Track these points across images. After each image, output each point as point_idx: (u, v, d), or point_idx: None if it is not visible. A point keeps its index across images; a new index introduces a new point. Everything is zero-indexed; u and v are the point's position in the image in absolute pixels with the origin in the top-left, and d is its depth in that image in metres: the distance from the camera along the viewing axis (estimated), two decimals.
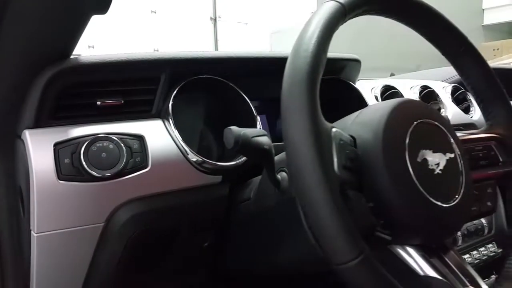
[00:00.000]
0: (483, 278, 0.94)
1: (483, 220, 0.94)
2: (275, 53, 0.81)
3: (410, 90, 1.02)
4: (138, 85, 0.63)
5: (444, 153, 0.52)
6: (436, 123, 0.54)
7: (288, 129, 0.42)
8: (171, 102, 0.64)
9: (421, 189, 0.47)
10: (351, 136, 0.51)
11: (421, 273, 0.50)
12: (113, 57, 0.60)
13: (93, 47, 5.44)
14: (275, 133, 0.85)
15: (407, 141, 0.49)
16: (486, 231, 0.96)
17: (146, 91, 0.64)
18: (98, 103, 0.60)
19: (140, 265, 0.66)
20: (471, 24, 4.45)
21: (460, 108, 1.04)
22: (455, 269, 0.52)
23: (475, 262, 0.93)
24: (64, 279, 0.62)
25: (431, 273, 0.50)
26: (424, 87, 1.02)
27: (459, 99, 1.09)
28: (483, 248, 0.95)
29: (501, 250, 0.96)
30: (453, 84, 1.07)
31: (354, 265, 0.40)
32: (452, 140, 0.54)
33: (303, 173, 0.41)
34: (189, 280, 0.75)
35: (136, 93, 0.63)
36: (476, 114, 1.05)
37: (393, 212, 0.47)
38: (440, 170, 0.51)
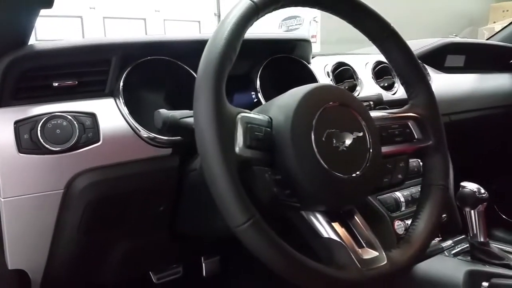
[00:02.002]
0: None
1: None
2: None
3: (364, 66, 1.08)
4: (90, 67, 0.70)
5: (352, 132, 0.60)
6: (347, 105, 0.61)
7: (196, 116, 0.50)
8: (122, 82, 0.71)
9: (323, 163, 0.55)
10: (270, 118, 0.58)
11: (325, 235, 0.58)
12: (66, 43, 0.67)
13: (94, 8, 5.44)
14: None
15: (314, 122, 0.56)
16: None
17: (99, 72, 0.71)
18: (55, 84, 0.68)
19: (101, 226, 0.76)
20: None
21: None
22: (356, 233, 0.61)
23: None
24: (33, 240, 0.71)
25: (332, 235, 0.58)
26: (378, 63, 1.08)
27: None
28: None
29: (445, 215, 1.05)
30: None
31: (245, 227, 0.48)
32: (362, 121, 0.61)
33: (205, 154, 0.49)
34: (149, 239, 0.85)
35: (89, 74, 0.70)
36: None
37: (297, 183, 0.55)
38: (345, 147, 0.58)
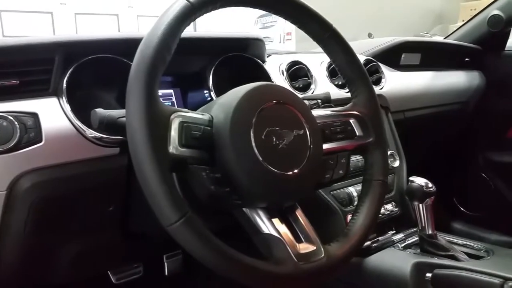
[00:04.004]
0: (382, 233, 1.07)
1: None
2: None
3: (319, 65, 1.10)
4: (33, 66, 0.69)
5: (292, 130, 0.61)
6: (288, 103, 0.62)
7: (127, 117, 0.50)
8: (65, 81, 0.71)
9: (262, 160, 0.56)
10: (211, 116, 0.59)
11: (265, 231, 0.59)
12: (6, 41, 0.66)
13: (65, 4, 5.31)
14: (187, 105, 0.93)
15: (254, 120, 0.58)
16: None
17: (42, 71, 0.70)
18: None
19: (48, 228, 0.75)
20: None
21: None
22: (296, 228, 0.62)
23: None
24: None
25: (272, 231, 0.59)
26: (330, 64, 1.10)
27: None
28: (382, 209, 1.06)
29: (398, 209, 1.08)
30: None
31: (177, 226, 0.49)
32: (303, 119, 0.63)
33: (136, 153, 0.49)
34: (100, 239, 0.85)
35: (31, 73, 0.69)
36: None
37: (236, 181, 0.56)
38: (285, 145, 0.60)
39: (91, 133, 0.70)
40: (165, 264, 1.08)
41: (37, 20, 4.92)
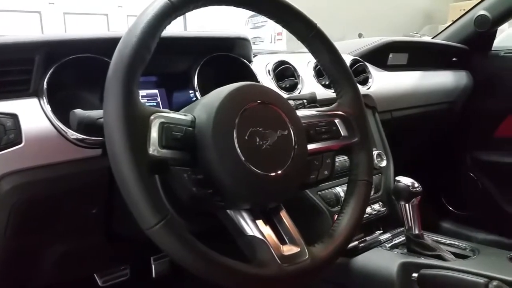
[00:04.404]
0: (369, 233, 1.07)
1: None
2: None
3: (306, 65, 1.09)
4: (12, 66, 0.68)
5: (276, 131, 0.60)
6: (272, 104, 0.62)
7: (105, 117, 0.49)
8: (46, 81, 0.69)
9: (245, 161, 0.56)
10: (194, 116, 0.58)
11: (249, 233, 0.59)
12: None
13: (53, 3, 5.26)
14: (172, 106, 0.92)
15: (236, 120, 0.57)
16: (372, 192, 1.07)
17: (22, 72, 0.69)
18: None
19: (29, 230, 0.74)
20: None
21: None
22: (280, 229, 0.62)
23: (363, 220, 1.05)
24: None
25: (256, 233, 0.58)
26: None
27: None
28: (369, 209, 1.06)
29: (385, 209, 1.08)
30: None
31: (157, 229, 0.48)
32: (287, 119, 0.62)
33: (113, 155, 0.48)
34: (85, 242, 0.84)
35: (10, 73, 0.68)
36: None
37: (219, 182, 0.56)
38: (269, 145, 0.59)
39: (72, 134, 0.69)
40: (153, 266, 1.07)
41: (25, 19, 4.87)
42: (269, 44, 4.42)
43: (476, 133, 1.61)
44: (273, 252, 0.57)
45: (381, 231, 1.08)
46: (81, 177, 0.72)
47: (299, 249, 0.60)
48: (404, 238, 1.00)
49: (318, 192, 0.97)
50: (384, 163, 1.11)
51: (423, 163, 1.65)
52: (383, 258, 0.92)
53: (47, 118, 0.68)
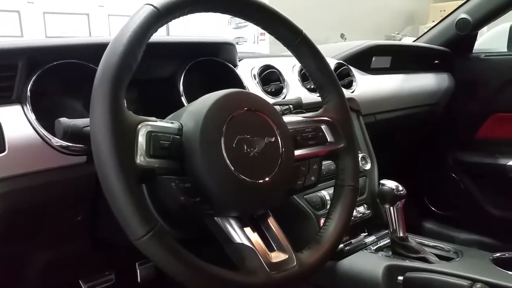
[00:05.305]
0: (354, 236, 1.07)
1: None
2: None
3: (291, 69, 1.10)
4: None
5: (264, 138, 0.60)
6: (259, 111, 0.62)
7: (91, 127, 0.49)
8: (29, 88, 0.68)
9: (233, 169, 0.56)
10: (181, 124, 0.58)
11: (237, 240, 0.59)
12: None
13: (33, 2, 5.15)
14: (157, 112, 0.91)
15: (224, 128, 0.57)
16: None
17: (4, 78, 0.67)
18: None
19: (13, 238, 0.72)
20: None
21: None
22: (268, 236, 0.62)
23: None
24: None
25: (244, 240, 0.58)
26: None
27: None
28: (354, 211, 1.07)
29: (370, 211, 1.09)
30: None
31: (145, 240, 0.48)
32: (274, 126, 0.62)
33: (100, 165, 0.48)
34: (70, 249, 0.82)
35: None
36: None
37: (207, 190, 0.55)
38: (257, 152, 0.59)
39: (56, 141, 0.68)
40: (138, 271, 1.06)
41: (3, 19, 4.76)
42: (252, 45, 4.42)
43: (457, 135, 1.64)
44: (261, 260, 0.57)
45: (366, 234, 1.09)
46: (66, 184, 0.71)
47: (287, 256, 0.60)
48: (389, 240, 1.01)
49: (304, 196, 0.97)
50: (368, 166, 1.12)
51: (406, 164, 1.67)
52: (368, 261, 0.93)
53: (30, 125, 0.67)
